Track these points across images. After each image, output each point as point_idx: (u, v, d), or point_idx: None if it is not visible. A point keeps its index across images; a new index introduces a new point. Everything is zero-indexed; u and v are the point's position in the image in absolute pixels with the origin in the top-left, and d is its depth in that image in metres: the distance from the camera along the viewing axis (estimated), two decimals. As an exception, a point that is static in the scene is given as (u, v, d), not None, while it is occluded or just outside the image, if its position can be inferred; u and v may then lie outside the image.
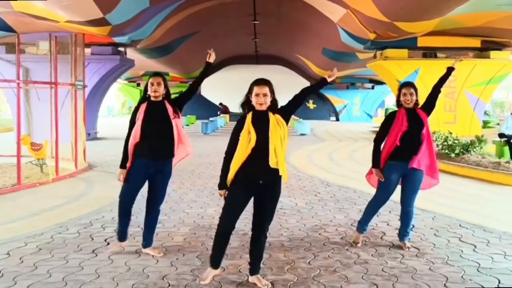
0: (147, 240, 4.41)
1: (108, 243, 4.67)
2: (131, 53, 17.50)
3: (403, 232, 4.63)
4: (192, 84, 4.50)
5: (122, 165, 4.27)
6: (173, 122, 4.19)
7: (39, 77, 12.01)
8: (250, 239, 3.68)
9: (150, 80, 4.22)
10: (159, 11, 13.21)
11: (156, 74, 4.29)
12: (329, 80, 3.83)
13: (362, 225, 4.74)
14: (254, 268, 3.68)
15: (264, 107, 3.50)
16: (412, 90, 4.45)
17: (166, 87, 4.26)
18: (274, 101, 3.55)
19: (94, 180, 8.66)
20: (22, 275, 3.82)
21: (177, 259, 4.23)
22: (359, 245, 4.65)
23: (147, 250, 4.38)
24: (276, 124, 3.48)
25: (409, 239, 4.67)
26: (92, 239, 4.86)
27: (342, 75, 28.86)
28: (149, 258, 4.23)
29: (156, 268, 3.98)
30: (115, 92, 39.59)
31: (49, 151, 9.28)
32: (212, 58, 4.41)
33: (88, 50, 15.05)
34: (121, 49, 16.43)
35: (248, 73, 34.14)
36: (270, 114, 3.50)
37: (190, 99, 4.44)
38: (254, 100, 3.50)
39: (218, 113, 29.56)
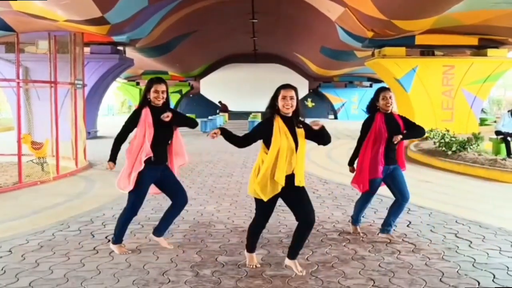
0: (162, 231, 4.46)
1: (109, 240, 4.71)
2: (130, 52, 17.54)
3: (390, 222, 4.72)
4: (192, 126, 4.51)
5: (113, 159, 4.35)
6: (174, 130, 4.34)
7: (38, 76, 12.06)
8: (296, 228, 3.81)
9: (155, 87, 4.15)
10: (158, 10, 13.24)
11: (160, 80, 4.21)
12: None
13: (356, 219, 5.00)
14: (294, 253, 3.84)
15: (290, 111, 3.56)
16: (391, 94, 4.55)
17: (168, 93, 4.28)
18: (298, 108, 3.60)
19: (95, 178, 8.71)
20: (24, 271, 3.87)
21: (177, 255, 4.28)
22: (361, 233, 4.88)
23: (160, 240, 4.45)
24: (301, 135, 3.61)
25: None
26: (93, 236, 4.92)
27: (341, 74, 28.92)
28: (149, 255, 4.29)
29: (156, 265, 4.04)
30: (115, 91, 39.61)
31: (50, 149, 9.34)
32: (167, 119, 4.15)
33: (87, 49, 15.08)
34: (120, 48, 16.47)
35: (247, 71, 34.14)
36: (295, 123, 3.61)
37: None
38: (280, 103, 3.56)
39: (217, 111, 29.60)
